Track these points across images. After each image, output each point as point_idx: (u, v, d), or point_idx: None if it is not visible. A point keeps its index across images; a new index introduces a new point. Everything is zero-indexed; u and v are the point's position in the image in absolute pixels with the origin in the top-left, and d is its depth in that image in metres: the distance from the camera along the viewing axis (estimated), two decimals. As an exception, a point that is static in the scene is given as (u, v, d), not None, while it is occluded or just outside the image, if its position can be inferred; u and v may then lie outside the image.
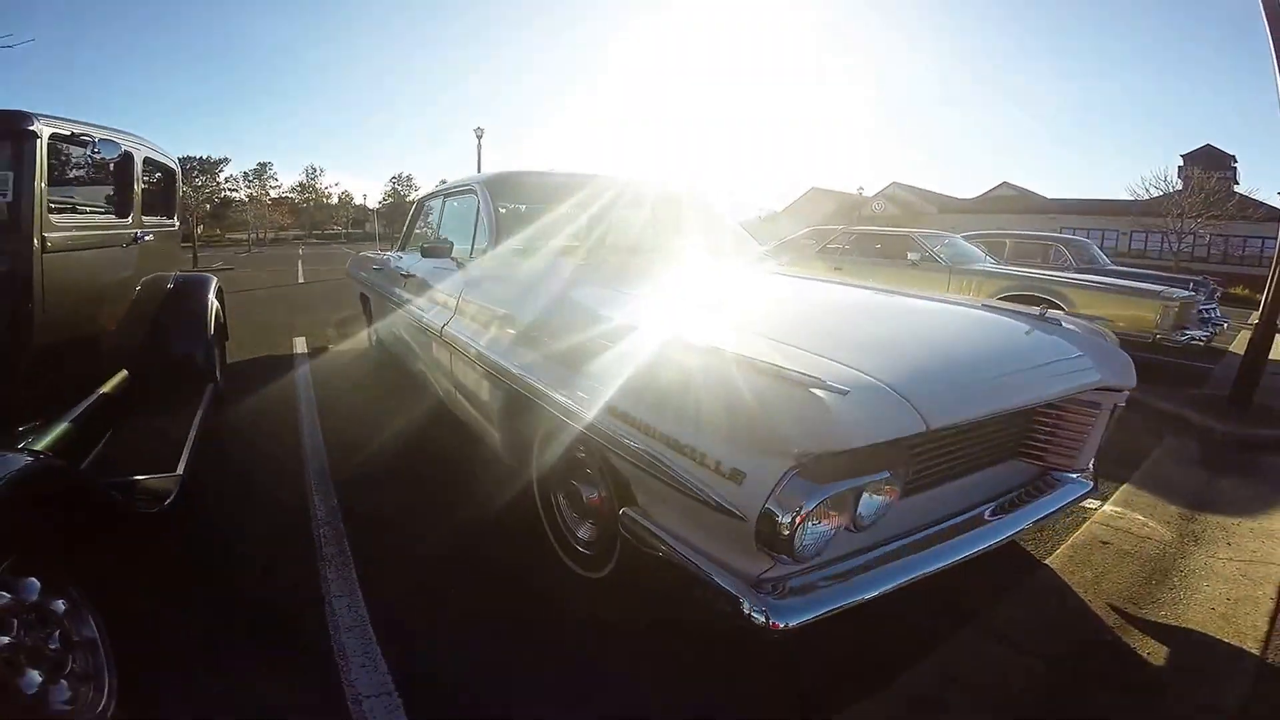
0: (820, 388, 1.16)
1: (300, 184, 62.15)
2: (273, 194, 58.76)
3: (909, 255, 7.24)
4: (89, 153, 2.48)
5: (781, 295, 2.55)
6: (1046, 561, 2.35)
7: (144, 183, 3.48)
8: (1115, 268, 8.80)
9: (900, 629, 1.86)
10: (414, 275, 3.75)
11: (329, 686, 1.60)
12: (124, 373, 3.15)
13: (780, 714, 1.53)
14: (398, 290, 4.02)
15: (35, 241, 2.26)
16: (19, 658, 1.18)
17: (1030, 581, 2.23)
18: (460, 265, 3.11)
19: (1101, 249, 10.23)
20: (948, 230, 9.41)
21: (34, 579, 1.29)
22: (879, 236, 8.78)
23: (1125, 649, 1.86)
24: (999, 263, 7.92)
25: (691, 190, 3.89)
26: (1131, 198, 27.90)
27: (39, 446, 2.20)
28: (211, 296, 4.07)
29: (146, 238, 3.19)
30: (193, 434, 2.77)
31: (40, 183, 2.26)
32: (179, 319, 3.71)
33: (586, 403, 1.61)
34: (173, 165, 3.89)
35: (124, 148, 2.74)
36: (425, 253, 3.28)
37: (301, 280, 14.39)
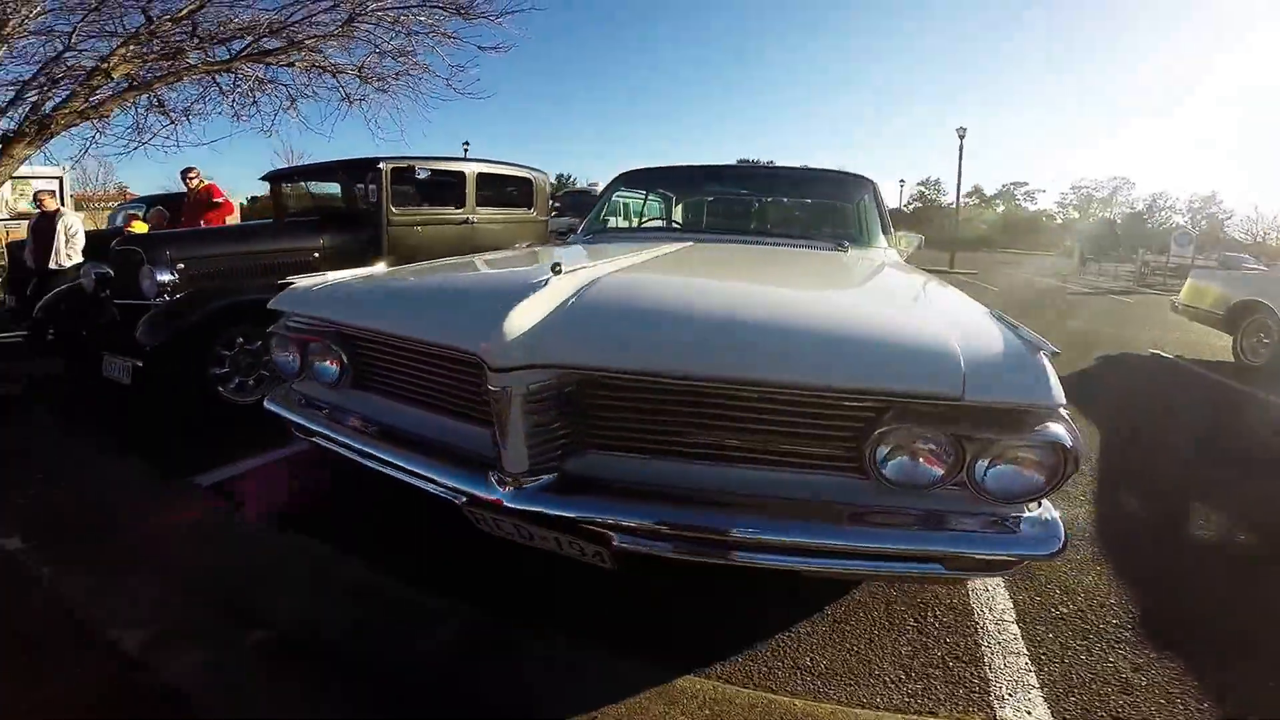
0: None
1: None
2: None
3: None
4: (415, 174, 4.67)
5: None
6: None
7: (500, 189, 5.78)
8: None
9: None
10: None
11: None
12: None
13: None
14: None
15: (385, 221, 4.56)
16: (236, 363, 3.21)
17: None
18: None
19: None
20: None
21: (259, 341, 3.28)
22: None
23: None
24: None
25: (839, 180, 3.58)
26: None
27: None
28: (535, 260, 6.27)
29: (473, 220, 5.39)
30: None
31: (387, 191, 4.52)
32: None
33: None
34: (529, 177, 6.12)
35: (429, 170, 4.89)
36: (553, 231, 4.36)
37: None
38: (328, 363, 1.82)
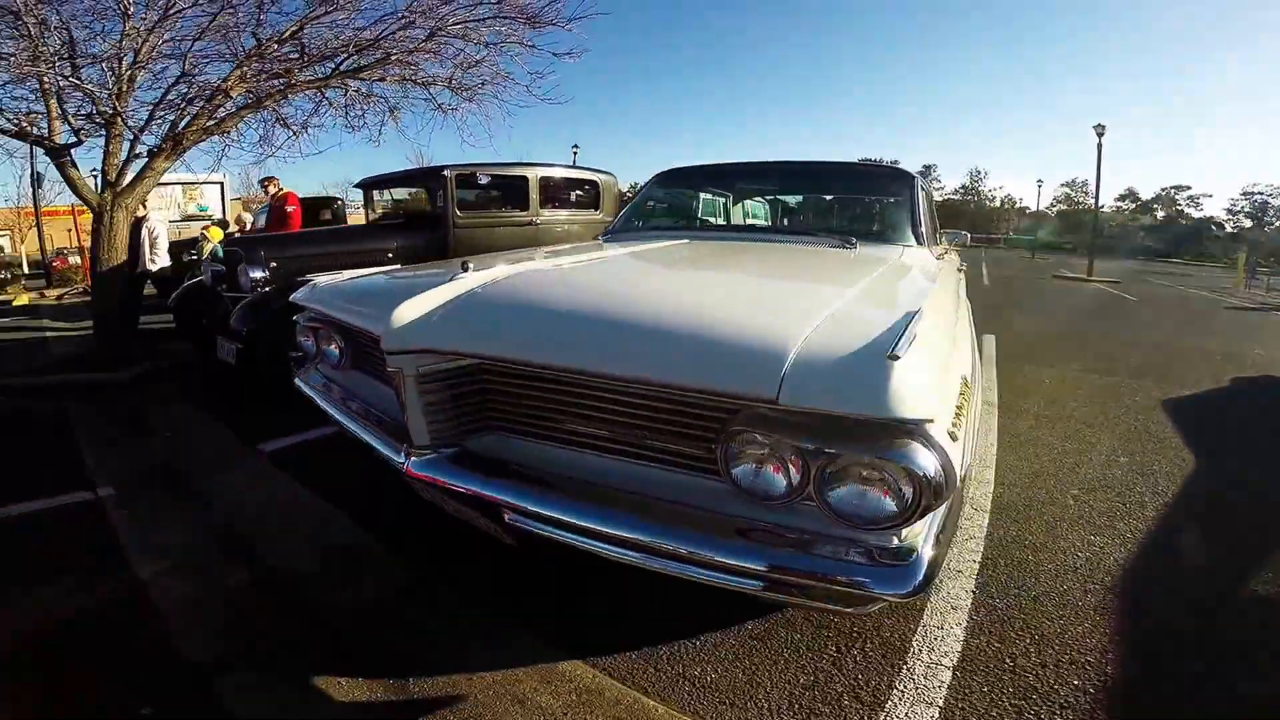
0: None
1: (963, 187, 63.62)
2: (937, 196, 63.68)
3: None
4: (478, 181, 4.99)
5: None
6: None
7: (567, 192, 6.02)
8: None
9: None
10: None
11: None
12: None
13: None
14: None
15: (451, 224, 4.93)
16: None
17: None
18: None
19: None
20: None
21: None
22: None
23: None
24: None
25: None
26: None
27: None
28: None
29: (537, 222, 5.66)
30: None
31: (452, 196, 4.87)
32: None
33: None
34: (595, 180, 6.30)
35: (490, 177, 5.18)
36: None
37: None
38: (331, 346, 2.13)
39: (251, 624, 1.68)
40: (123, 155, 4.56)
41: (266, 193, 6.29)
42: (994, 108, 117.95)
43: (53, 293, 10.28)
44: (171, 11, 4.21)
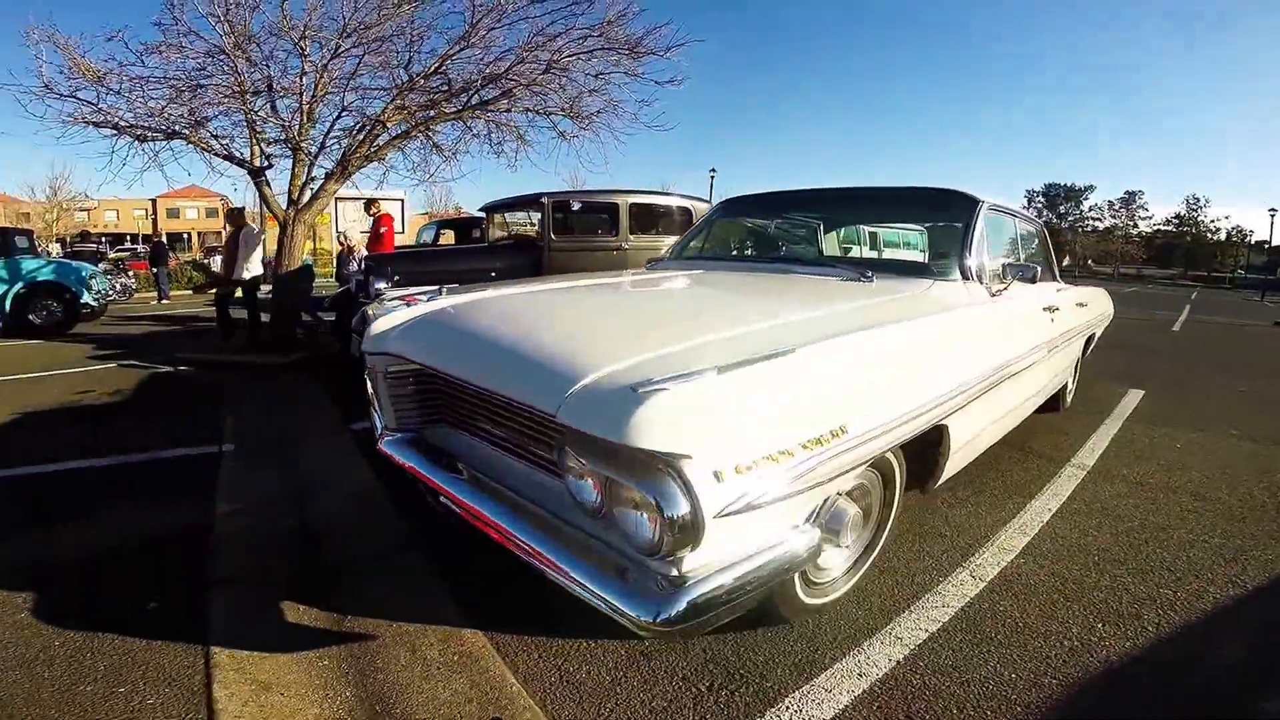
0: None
1: (1177, 216, 53.70)
2: (1142, 226, 54.84)
3: None
4: (571, 207, 5.49)
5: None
6: None
7: (658, 217, 6.34)
8: None
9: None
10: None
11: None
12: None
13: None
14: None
15: (547, 247, 5.48)
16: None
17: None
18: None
19: None
20: None
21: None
22: None
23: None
24: None
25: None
26: None
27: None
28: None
29: (625, 246, 6.02)
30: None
31: (549, 221, 5.41)
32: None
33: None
34: (688, 205, 6.52)
35: (579, 204, 5.63)
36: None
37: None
38: None
39: (270, 556, 2.15)
40: (303, 178, 5.72)
41: (368, 213, 7.29)
42: (1220, 126, 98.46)
43: (258, 287, 12.84)
44: (340, 52, 5.24)
